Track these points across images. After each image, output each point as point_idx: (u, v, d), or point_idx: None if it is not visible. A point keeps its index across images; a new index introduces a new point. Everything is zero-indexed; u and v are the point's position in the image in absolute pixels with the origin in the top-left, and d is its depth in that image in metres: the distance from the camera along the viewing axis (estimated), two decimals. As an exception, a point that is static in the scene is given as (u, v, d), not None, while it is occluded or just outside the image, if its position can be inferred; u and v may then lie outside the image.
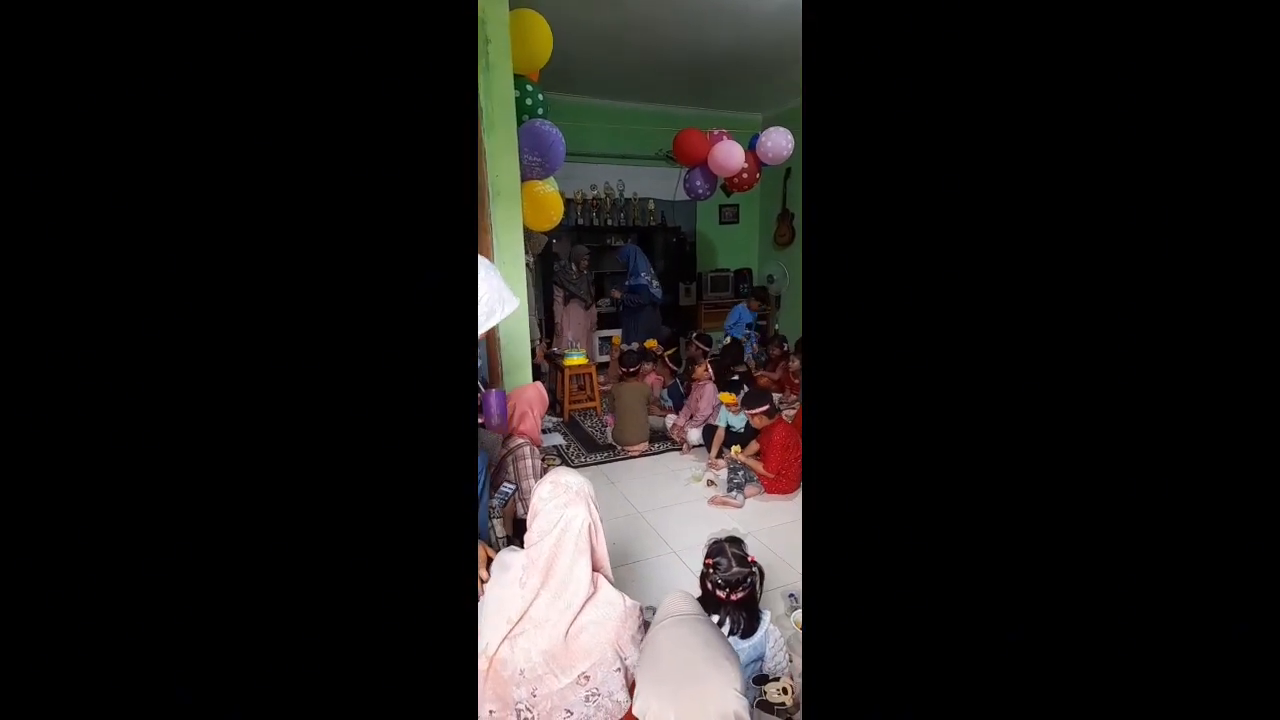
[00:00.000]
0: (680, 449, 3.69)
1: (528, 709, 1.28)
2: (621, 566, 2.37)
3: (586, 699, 1.32)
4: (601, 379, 4.54)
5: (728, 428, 3.41)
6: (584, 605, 1.37)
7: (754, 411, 3.13)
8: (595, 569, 1.43)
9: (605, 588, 1.43)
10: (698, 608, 1.55)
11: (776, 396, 3.61)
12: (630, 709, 1.37)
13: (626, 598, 1.43)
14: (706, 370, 3.87)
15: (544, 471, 2.64)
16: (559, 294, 4.88)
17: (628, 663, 1.36)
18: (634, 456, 3.63)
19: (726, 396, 3.55)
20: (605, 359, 5.08)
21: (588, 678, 1.32)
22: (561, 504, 1.40)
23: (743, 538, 1.87)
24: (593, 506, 1.43)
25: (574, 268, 4.80)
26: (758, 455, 3.13)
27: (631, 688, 1.35)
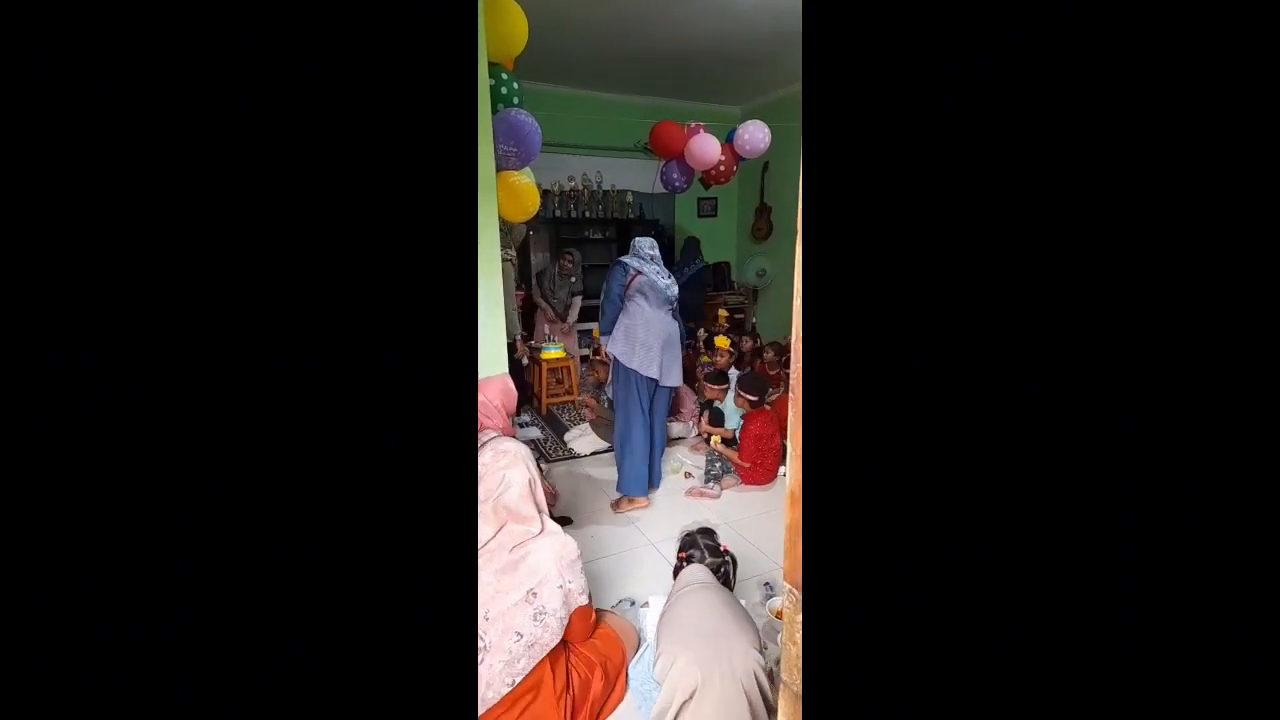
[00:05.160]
0: (659, 441, 3.69)
1: (480, 635, 1.38)
2: (600, 559, 2.36)
3: (534, 618, 1.44)
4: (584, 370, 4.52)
5: (713, 405, 3.42)
6: (525, 541, 1.55)
7: (744, 394, 3.13)
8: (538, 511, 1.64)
9: (549, 522, 1.63)
10: (714, 579, 1.59)
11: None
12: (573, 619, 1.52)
13: (565, 534, 1.62)
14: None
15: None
16: (536, 289, 4.84)
17: (571, 586, 1.51)
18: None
19: (723, 340, 3.61)
20: (586, 352, 5.05)
21: (535, 594, 1.46)
22: (503, 466, 1.64)
23: (715, 528, 1.88)
24: (529, 465, 1.67)
25: (555, 269, 4.75)
26: (735, 446, 3.14)
27: (572, 612, 1.52)
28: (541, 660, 1.45)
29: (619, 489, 2.92)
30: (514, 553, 1.50)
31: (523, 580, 1.46)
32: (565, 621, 1.49)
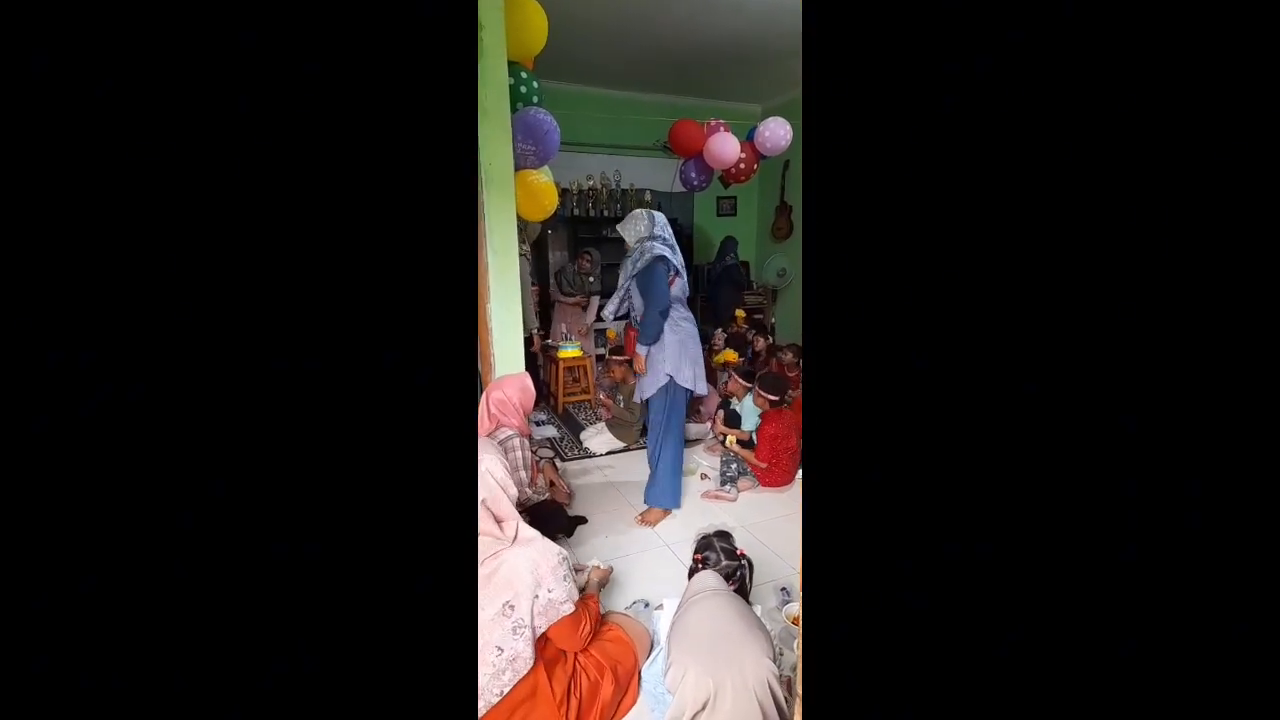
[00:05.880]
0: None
1: None
2: (614, 561, 2.36)
3: (514, 631, 1.38)
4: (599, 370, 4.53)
5: (729, 405, 3.41)
6: (498, 551, 1.46)
7: (764, 394, 3.11)
8: (501, 521, 1.52)
9: (523, 528, 1.52)
10: (725, 585, 1.57)
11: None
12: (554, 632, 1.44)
13: (545, 539, 1.51)
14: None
15: (536, 464, 2.64)
16: (554, 288, 4.85)
17: (552, 596, 1.43)
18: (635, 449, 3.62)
19: (730, 354, 3.55)
20: (602, 351, 5.05)
21: (512, 608, 1.38)
22: None
23: (731, 531, 1.87)
24: (488, 478, 1.54)
25: (574, 267, 4.77)
26: (751, 447, 3.12)
27: (553, 624, 1.44)
28: (535, 667, 1.41)
29: (655, 503, 2.76)
30: (485, 565, 1.43)
31: (498, 593, 1.39)
32: (539, 632, 1.42)
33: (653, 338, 2.59)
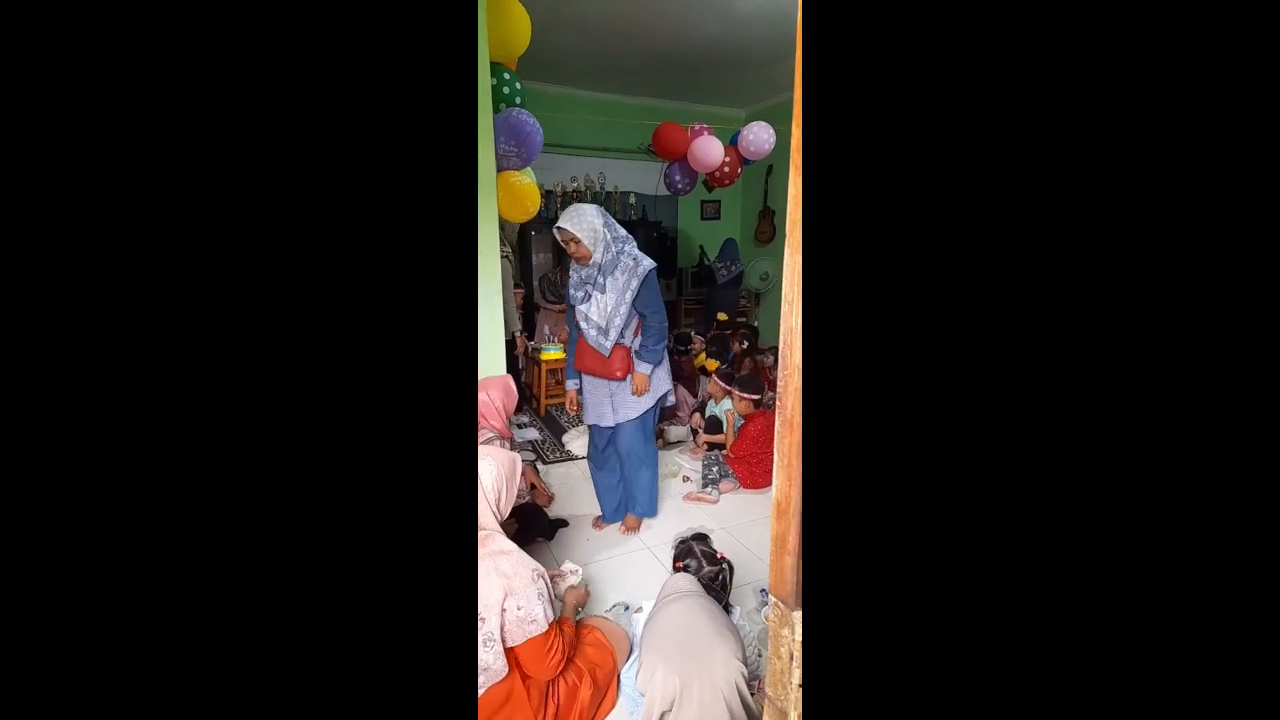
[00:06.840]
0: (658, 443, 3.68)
1: None
2: (593, 562, 2.35)
3: (484, 644, 1.36)
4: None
5: (707, 410, 3.42)
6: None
7: (744, 395, 3.12)
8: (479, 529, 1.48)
9: (499, 540, 1.49)
10: (699, 587, 1.58)
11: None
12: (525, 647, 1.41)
13: (523, 553, 1.47)
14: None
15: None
16: (538, 294, 4.82)
17: (521, 613, 1.39)
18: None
19: (711, 363, 3.56)
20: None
21: (482, 620, 1.36)
22: None
23: (711, 533, 1.87)
24: None
25: (555, 277, 4.73)
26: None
27: (518, 645, 1.41)
28: (510, 673, 1.40)
29: (642, 513, 2.68)
30: None
31: None
32: (510, 645, 1.40)
33: (661, 355, 2.40)
